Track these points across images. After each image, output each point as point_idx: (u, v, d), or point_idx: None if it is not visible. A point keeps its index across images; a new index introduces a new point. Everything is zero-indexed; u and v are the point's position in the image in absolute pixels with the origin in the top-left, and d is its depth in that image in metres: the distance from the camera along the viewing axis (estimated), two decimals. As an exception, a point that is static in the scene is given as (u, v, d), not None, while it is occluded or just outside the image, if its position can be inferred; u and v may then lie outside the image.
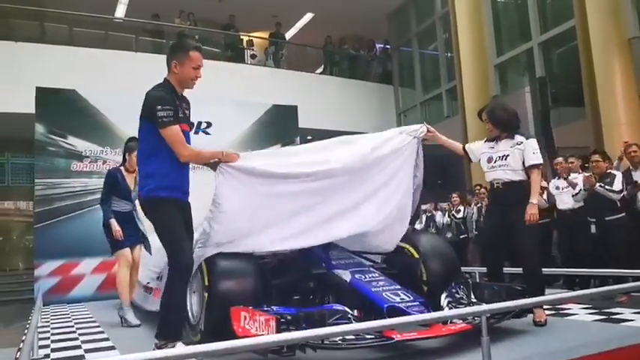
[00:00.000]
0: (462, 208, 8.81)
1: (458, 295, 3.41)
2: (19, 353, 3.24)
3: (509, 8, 11.33)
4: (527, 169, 3.80)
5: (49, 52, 10.03)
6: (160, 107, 2.91)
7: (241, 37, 13.32)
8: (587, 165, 7.50)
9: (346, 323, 2.80)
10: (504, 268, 4.28)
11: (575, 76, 8.63)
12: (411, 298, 3.12)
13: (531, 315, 3.33)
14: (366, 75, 14.19)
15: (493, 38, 10.77)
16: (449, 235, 8.69)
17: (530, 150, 3.80)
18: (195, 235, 3.33)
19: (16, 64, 9.51)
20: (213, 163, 3.26)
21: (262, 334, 2.57)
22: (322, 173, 3.54)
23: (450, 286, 3.46)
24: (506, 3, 11.49)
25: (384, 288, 3.21)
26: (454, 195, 9.02)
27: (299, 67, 13.33)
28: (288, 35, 14.70)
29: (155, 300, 4.10)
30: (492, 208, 4.19)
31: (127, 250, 4.65)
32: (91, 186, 7.25)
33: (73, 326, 4.69)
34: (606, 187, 5.66)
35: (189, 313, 3.45)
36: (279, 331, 2.50)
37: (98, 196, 7.16)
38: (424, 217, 9.45)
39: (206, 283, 3.18)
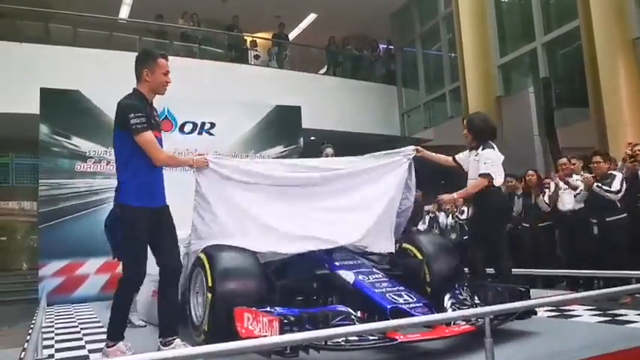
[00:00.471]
0: (465, 209, 8.78)
1: (461, 297, 3.40)
2: (23, 353, 3.25)
3: (513, 8, 11.30)
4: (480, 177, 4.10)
5: (53, 53, 10.05)
6: (132, 115, 3.01)
7: (245, 37, 13.33)
8: (590, 166, 7.49)
9: (349, 324, 2.80)
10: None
11: (580, 76, 8.60)
12: (415, 299, 3.12)
13: (535, 316, 3.32)
14: (369, 75, 14.17)
15: (497, 39, 10.73)
16: (452, 236, 8.66)
17: (482, 160, 4.11)
18: (185, 233, 3.57)
19: (20, 64, 9.54)
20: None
21: (266, 335, 2.57)
22: (304, 178, 3.83)
23: (453, 288, 3.46)
24: (510, 3, 11.46)
25: (388, 289, 3.21)
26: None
27: (302, 68, 13.33)
28: (292, 36, 14.70)
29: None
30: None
31: None
32: (95, 186, 7.28)
33: (77, 326, 4.71)
34: (604, 187, 5.69)
35: (193, 314, 3.46)
36: (282, 332, 2.50)
37: (102, 196, 7.27)
38: (427, 218, 9.42)
39: (209, 284, 3.18)
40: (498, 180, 4.17)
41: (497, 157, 4.19)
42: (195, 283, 3.51)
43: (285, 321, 2.57)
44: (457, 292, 3.44)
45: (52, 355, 3.41)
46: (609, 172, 5.84)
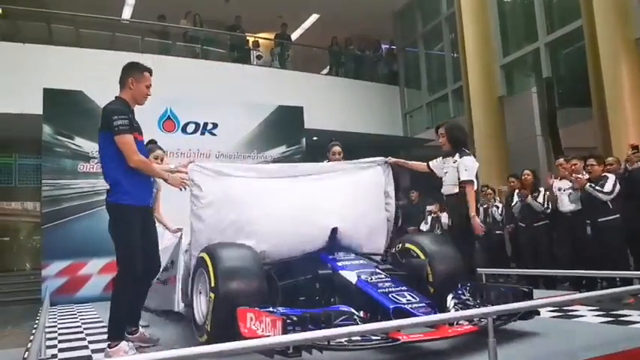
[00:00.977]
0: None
1: (464, 297, 3.40)
2: (27, 353, 3.26)
3: (516, 8, 11.30)
4: (460, 185, 4.39)
5: (56, 54, 10.08)
6: (116, 117, 3.17)
7: (247, 38, 13.34)
8: (586, 168, 7.49)
9: (352, 324, 2.80)
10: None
11: (582, 76, 8.58)
12: (417, 299, 3.11)
13: (538, 316, 3.31)
14: (371, 76, 14.17)
15: (499, 38, 10.73)
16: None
17: (462, 167, 4.38)
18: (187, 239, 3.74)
19: (23, 65, 9.57)
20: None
21: (268, 335, 2.57)
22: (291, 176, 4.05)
23: (456, 288, 3.45)
24: (513, 3, 11.46)
25: (390, 289, 3.20)
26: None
27: (305, 68, 13.34)
28: (294, 36, 14.72)
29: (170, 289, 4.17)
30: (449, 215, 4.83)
31: None
32: (98, 187, 7.28)
33: (80, 326, 4.72)
34: (596, 187, 5.80)
35: (196, 314, 3.46)
36: (285, 332, 2.50)
37: (105, 197, 7.28)
38: (429, 219, 9.41)
39: (212, 284, 3.18)
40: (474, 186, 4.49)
41: (475, 165, 4.49)
42: (198, 283, 3.52)
43: (288, 321, 2.57)
44: (460, 292, 3.44)
45: (55, 355, 3.41)
46: (603, 174, 5.94)
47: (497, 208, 8.10)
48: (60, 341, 3.96)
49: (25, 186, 13.18)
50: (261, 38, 13.86)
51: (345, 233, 3.91)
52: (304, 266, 3.65)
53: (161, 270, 4.36)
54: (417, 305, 3.03)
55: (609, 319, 3.67)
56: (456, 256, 3.89)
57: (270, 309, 2.81)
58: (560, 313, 3.92)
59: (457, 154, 4.47)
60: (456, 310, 3.22)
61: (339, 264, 3.51)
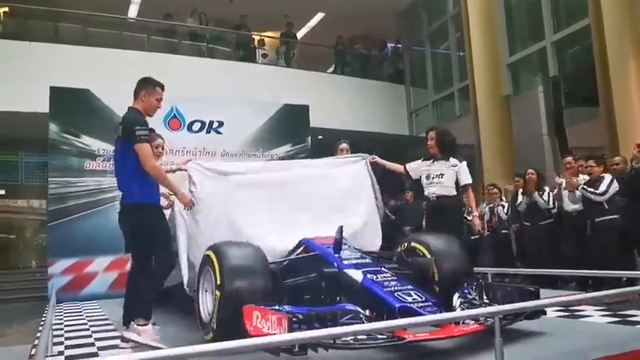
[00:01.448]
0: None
1: (470, 296, 3.38)
2: (34, 350, 3.28)
3: (522, 7, 11.24)
4: (463, 188, 4.73)
5: (62, 52, 10.12)
6: (138, 127, 3.48)
7: (253, 36, 13.34)
8: (586, 169, 7.45)
9: (358, 323, 2.80)
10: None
11: (589, 75, 8.54)
12: (423, 298, 3.10)
13: (544, 316, 3.30)
14: (377, 74, 14.15)
15: (505, 37, 10.69)
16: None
17: (464, 171, 4.72)
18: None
19: (30, 63, 9.61)
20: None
21: (274, 333, 2.57)
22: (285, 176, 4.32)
23: (462, 287, 3.44)
24: (519, 1, 11.40)
25: (396, 288, 3.19)
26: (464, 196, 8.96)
27: (310, 67, 13.33)
28: (300, 35, 14.71)
29: None
30: (429, 216, 4.89)
31: None
32: (104, 185, 7.32)
33: (86, 324, 4.73)
34: (589, 189, 6.00)
35: (202, 311, 3.47)
36: (291, 330, 2.50)
37: (111, 194, 7.29)
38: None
39: (218, 282, 3.19)
40: None
41: None
42: (204, 281, 3.52)
43: (294, 319, 2.57)
44: (466, 291, 3.43)
45: (62, 352, 3.42)
46: (601, 175, 6.06)
47: (503, 207, 8.08)
48: (66, 338, 3.97)
49: (31, 184, 13.23)
50: (267, 37, 13.87)
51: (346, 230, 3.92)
52: (310, 265, 3.65)
53: None
54: (422, 304, 3.03)
55: (616, 319, 3.65)
56: (462, 254, 3.89)
57: (276, 307, 2.81)
58: (566, 313, 3.91)
59: (454, 159, 4.75)
60: (462, 309, 3.21)
61: (345, 262, 3.51)
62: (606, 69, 7.87)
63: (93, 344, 3.69)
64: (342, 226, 3.90)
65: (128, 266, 4.99)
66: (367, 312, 3.05)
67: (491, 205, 8.37)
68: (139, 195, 3.55)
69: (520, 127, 10.39)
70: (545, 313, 3.18)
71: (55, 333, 3.98)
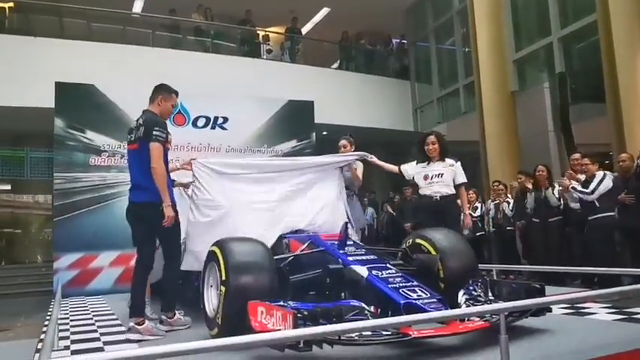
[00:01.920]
0: (478, 205, 8.73)
1: (475, 293, 3.37)
2: (40, 344, 3.30)
3: (529, 2, 11.15)
4: (457, 186, 5.03)
5: (67, 47, 10.13)
6: (157, 128, 3.75)
7: (257, 32, 13.32)
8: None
9: (363, 319, 2.79)
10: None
11: (596, 71, 8.48)
12: (428, 295, 3.09)
13: (549, 314, 3.29)
14: (382, 70, 14.10)
15: (512, 33, 10.61)
16: (465, 232, 8.60)
17: (460, 171, 5.06)
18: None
19: (35, 59, 9.62)
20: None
21: (279, 329, 2.57)
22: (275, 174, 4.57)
23: (467, 284, 3.43)
24: (526, -3, 11.33)
25: (401, 284, 3.18)
26: (470, 192, 8.94)
27: (315, 63, 13.30)
28: (305, 30, 14.66)
29: None
30: (427, 214, 5.02)
31: None
32: (109, 180, 7.35)
33: (91, 318, 4.75)
34: (579, 188, 6.16)
35: (207, 307, 3.47)
36: (295, 326, 2.49)
37: (116, 190, 7.32)
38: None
39: (223, 278, 3.19)
40: None
41: None
42: (209, 276, 3.53)
43: (299, 315, 2.56)
44: (471, 287, 3.42)
45: (67, 347, 3.44)
46: (596, 172, 6.16)
47: (509, 204, 8.05)
48: (72, 333, 3.99)
49: (37, 179, 13.28)
50: (272, 32, 13.83)
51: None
52: (315, 261, 3.65)
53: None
54: (427, 301, 3.02)
55: (622, 316, 3.64)
56: (468, 251, 3.88)
57: (281, 303, 2.81)
58: (572, 311, 3.89)
59: (450, 160, 5.09)
60: (467, 306, 3.20)
61: (350, 259, 3.50)
62: (613, 65, 7.81)
63: (98, 339, 3.71)
64: (346, 222, 3.91)
65: (133, 262, 5.04)
66: (372, 308, 3.05)
67: (496, 202, 8.34)
68: (157, 194, 3.71)
69: (526, 124, 10.33)
70: (550, 310, 3.17)
71: (61, 327, 4.00)
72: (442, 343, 2.85)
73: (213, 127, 8.22)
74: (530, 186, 7.33)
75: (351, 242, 3.76)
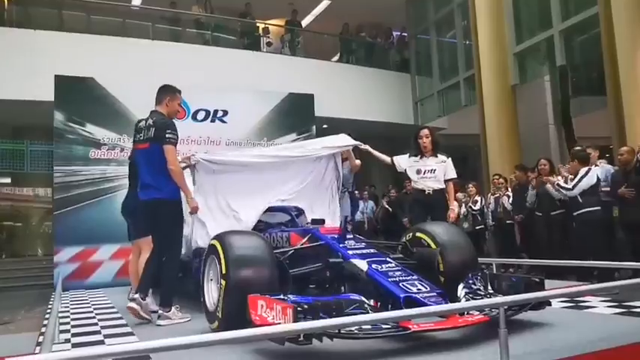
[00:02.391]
0: (478, 198, 8.74)
1: (475, 287, 3.38)
2: (41, 337, 3.31)
3: (530, -5, 11.11)
4: (447, 181, 5.18)
5: (67, 40, 10.09)
6: (169, 131, 3.92)
7: (257, 24, 13.26)
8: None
9: (363, 313, 2.80)
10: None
11: (598, 64, 8.45)
12: (428, 288, 3.09)
13: (549, 307, 3.29)
14: (383, 63, 14.04)
15: (513, 26, 10.56)
16: (465, 225, 8.63)
17: (450, 167, 5.21)
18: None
19: (34, 52, 9.58)
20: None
21: (279, 323, 2.58)
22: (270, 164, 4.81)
23: (467, 277, 3.44)
24: (527, -11, 11.27)
25: (401, 278, 3.18)
26: (470, 185, 8.95)
27: (315, 55, 13.25)
28: (305, 22, 14.59)
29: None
30: (419, 207, 5.31)
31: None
32: (109, 173, 7.35)
33: (92, 312, 4.77)
34: (556, 184, 6.29)
35: (207, 300, 3.48)
36: (295, 319, 2.50)
37: (116, 183, 7.33)
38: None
39: (223, 272, 3.20)
40: None
41: None
42: (209, 270, 3.54)
43: (299, 309, 2.57)
44: (471, 281, 3.42)
45: (68, 340, 3.45)
46: (582, 169, 6.14)
47: (508, 197, 8.04)
48: (73, 326, 4.00)
49: (37, 172, 13.25)
50: (272, 25, 13.76)
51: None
52: (315, 254, 3.66)
53: None
54: (427, 294, 3.02)
55: (622, 310, 3.64)
56: (467, 245, 3.88)
57: (281, 296, 2.81)
58: (571, 304, 3.90)
59: (442, 156, 5.24)
60: (467, 299, 3.20)
61: (350, 252, 3.50)
62: (614, 58, 7.78)
63: (99, 332, 3.72)
64: (346, 216, 3.92)
65: (131, 256, 5.06)
66: (372, 302, 3.05)
67: (496, 196, 8.34)
68: (167, 191, 3.92)
69: (526, 117, 10.32)
70: (550, 304, 3.17)
71: (62, 321, 4.00)
72: (442, 337, 2.86)
73: (213, 121, 8.22)
74: (533, 180, 7.30)
75: (351, 236, 3.75)
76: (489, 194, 8.72)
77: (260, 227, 4.62)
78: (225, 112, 8.27)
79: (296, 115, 8.82)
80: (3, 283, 9.50)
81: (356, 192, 11.46)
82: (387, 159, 5.52)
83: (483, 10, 10.44)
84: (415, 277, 3.24)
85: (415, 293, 3.01)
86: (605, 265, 5.03)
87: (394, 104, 13.33)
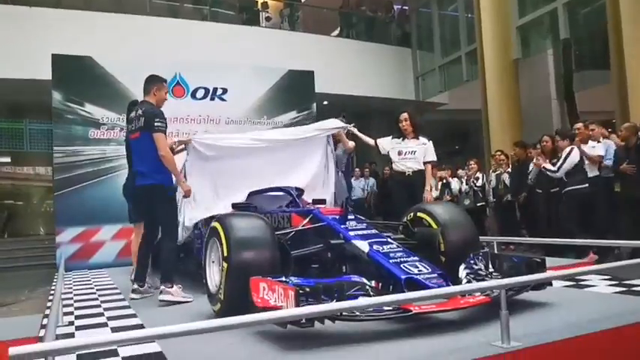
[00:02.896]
0: (480, 175, 8.71)
1: (476, 267, 3.38)
2: (45, 320, 3.33)
3: (533, -33, 10.91)
4: (425, 164, 5.37)
5: (63, 17, 9.96)
6: (158, 119, 4.09)
7: (256, -1, 13.07)
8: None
9: (364, 294, 2.80)
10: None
11: (602, 37, 8.33)
12: (429, 269, 3.09)
13: (550, 287, 3.30)
14: (383, 38, 13.88)
15: (516, -2, 10.40)
16: (466, 202, 8.63)
17: (430, 149, 5.41)
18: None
19: (31, 29, 9.48)
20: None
21: (281, 305, 2.58)
22: (262, 149, 4.91)
23: (468, 257, 3.44)
24: (530, -39, 11.05)
25: (402, 259, 3.18)
26: (472, 162, 8.91)
27: (315, 30, 13.08)
28: (304, -3, 14.40)
29: None
30: (399, 188, 5.52)
31: None
32: (109, 153, 7.32)
33: (95, 293, 4.80)
34: (548, 167, 6.54)
35: (209, 283, 3.49)
36: (297, 302, 2.50)
37: (116, 163, 7.30)
38: (439, 185, 9.33)
39: (225, 254, 3.19)
40: None
41: None
42: (211, 252, 3.54)
43: (301, 292, 2.57)
44: (472, 261, 3.42)
45: (72, 322, 3.47)
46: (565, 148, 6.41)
47: (509, 174, 8.02)
48: (76, 308, 4.03)
49: (37, 151, 13.24)
50: (270, -1, 13.57)
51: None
52: (316, 236, 3.65)
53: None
54: (428, 276, 3.02)
55: (622, 289, 3.65)
56: (468, 224, 3.87)
57: (283, 279, 2.82)
58: (572, 283, 3.91)
59: (423, 138, 5.43)
60: (468, 280, 3.21)
61: (352, 233, 3.50)
62: (619, 31, 7.68)
63: (102, 314, 3.74)
64: (347, 197, 3.90)
65: (133, 236, 5.09)
66: (373, 283, 3.06)
67: (497, 172, 8.32)
68: (158, 178, 4.11)
69: (528, 92, 10.23)
70: (551, 284, 3.17)
71: (65, 302, 4.03)
72: (443, 318, 2.87)
73: (212, 99, 8.14)
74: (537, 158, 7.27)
75: (352, 217, 3.74)
76: (490, 171, 8.70)
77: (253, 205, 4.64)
78: (225, 90, 8.19)
79: (296, 93, 8.73)
80: (6, 264, 9.57)
81: (357, 169, 11.52)
82: (371, 141, 5.68)
83: (485, -17, 10.26)
84: (416, 258, 3.24)
85: (416, 275, 3.02)
86: (604, 243, 5.03)
87: (395, 79, 13.22)
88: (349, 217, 3.72)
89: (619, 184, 6.34)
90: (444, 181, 9.39)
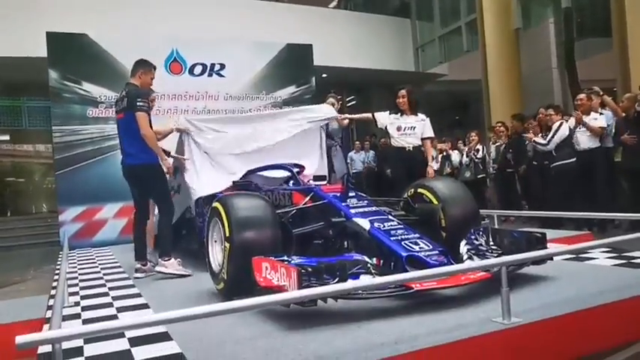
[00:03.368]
0: (480, 147, 8.69)
1: (477, 242, 3.40)
2: (51, 301, 3.37)
3: None
4: (424, 140, 5.52)
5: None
6: (140, 99, 4.22)
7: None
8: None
9: (366, 273, 2.83)
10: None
11: (603, 4, 8.21)
12: (430, 247, 3.11)
13: (550, 261, 3.32)
14: (382, 8, 13.70)
15: (516, -34, 10.22)
16: (467, 174, 8.63)
17: (429, 126, 5.56)
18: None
19: (26, 6, 9.33)
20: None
21: (284, 285, 2.61)
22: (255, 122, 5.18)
23: (469, 233, 3.45)
24: None
25: (403, 237, 3.20)
26: (472, 134, 8.88)
27: (312, 1, 12.89)
28: (301, -33, 14.11)
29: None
30: (399, 164, 5.62)
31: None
32: (107, 132, 7.30)
33: (99, 272, 4.85)
34: (538, 140, 6.73)
35: (212, 262, 3.52)
36: (300, 282, 2.53)
37: (115, 141, 7.18)
38: (439, 157, 9.29)
39: (227, 234, 3.21)
40: None
41: None
42: (213, 232, 3.56)
43: (303, 271, 2.59)
44: (473, 237, 3.44)
45: (77, 303, 3.51)
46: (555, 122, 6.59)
47: (506, 146, 8.00)
48: (81, 288, 4.07)
49: (36, 128, 13.20)
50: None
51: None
52: (318, 214, 3.66)
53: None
54: (429, 253, 3.04)
55: (622, 261, 3.68)
56: (469, 199, 3.88)
57: (285, 258, 2.84)
58: (572, 256, 3.94)
59: (421, 115, 5.55)
60: (469, 256, 3.23)
61: (353, 211, 3.51)
62: (621, -2, 7.57)
63: (107, 294, 3.79)
64: (346, 174, 3.90)
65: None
66: (374, 260, 3.08)
67: (497, 144, 8.30)
68: (143, 157, 4.25)
69: (529, 61, 10.13)
70: (552, 258, 3.20)
71: (70, 282, 4.07)
72: (444, 294, 2.90)
73: (210, 75, 8.07)
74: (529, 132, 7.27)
75: (353, 194, 3.75)
76: (490, 142, 8.68)
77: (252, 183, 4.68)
78: (223, 66, 8.11)
79: (295, 67, 8.64)
80: (10, 242, 9.64)
81: (357, 142, 11.48)
82: (368, 116, 5.83)
83: (486, -50, 10.06)
84: (417, 235, 3.25)
85: (417, 252, 3.04)
86: (604, 216, 5.04)
87: (394, 51, 13.09)
88: (350, 194, 3.73)
89: (620, 154, 6.34)
90: (444, 153, 9.36)
